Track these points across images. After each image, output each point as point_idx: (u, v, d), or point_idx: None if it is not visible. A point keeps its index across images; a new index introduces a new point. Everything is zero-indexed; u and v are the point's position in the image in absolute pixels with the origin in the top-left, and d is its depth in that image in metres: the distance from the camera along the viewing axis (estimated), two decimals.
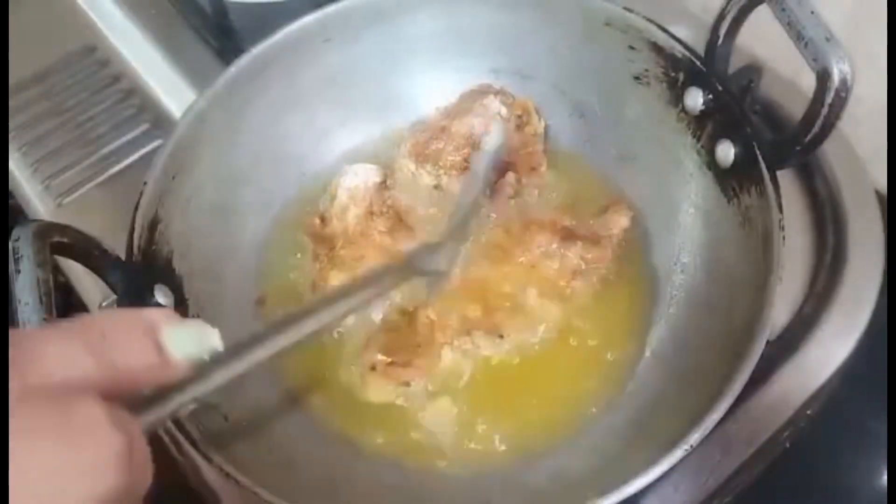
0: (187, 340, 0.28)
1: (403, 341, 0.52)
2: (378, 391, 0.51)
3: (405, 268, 0.46)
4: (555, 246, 0.54)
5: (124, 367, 0.26)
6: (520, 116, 0.59)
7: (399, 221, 0.56)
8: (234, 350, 0.30)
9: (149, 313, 0.28)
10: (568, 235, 0.55)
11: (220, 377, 0.29)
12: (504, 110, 0.59)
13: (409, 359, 0.51)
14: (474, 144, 0.58)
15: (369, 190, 0.57)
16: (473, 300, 0.53)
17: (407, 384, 0.50)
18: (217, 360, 0.29)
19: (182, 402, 0.28)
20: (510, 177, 0.57)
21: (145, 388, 0.27)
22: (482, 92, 0.60)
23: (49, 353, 0.24)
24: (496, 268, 0.54)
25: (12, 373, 0.23)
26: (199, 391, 0.29)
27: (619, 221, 0.55)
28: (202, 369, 0.29)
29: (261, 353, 0.31)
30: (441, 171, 0.58)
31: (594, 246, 0.54)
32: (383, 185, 0.58)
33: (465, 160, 0.58)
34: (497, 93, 0.60)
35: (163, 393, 0.28)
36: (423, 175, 0.59)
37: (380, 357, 0.51)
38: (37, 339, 0.25)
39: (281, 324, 0.33)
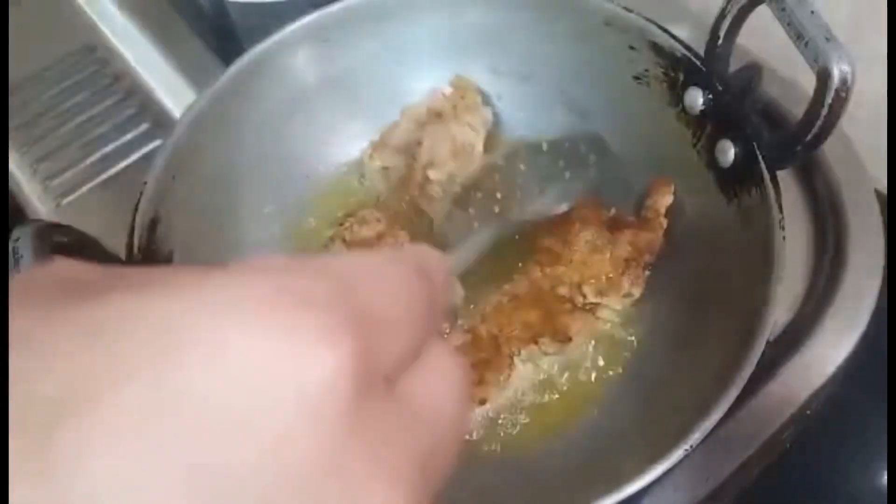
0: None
1: (469, 360, 0.50)
2: None
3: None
4: (603, 239, 0.53)
5: None
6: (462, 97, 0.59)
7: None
8: None
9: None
10: (614, 225, 0.54)
11: None
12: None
13: (480, 375, 0.49)
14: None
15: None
16: (532, 307, 0.52)
17: (484, 402, 0.49)
18: None
19: None
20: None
21: None
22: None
23: None
24: (548, 271, 0.54)
25: None
26: None
27: (664, 200, 0.54)
28: None
29: None
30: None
31: (643, 231, 0.53)
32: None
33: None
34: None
35: None
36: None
37: None
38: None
39: None
